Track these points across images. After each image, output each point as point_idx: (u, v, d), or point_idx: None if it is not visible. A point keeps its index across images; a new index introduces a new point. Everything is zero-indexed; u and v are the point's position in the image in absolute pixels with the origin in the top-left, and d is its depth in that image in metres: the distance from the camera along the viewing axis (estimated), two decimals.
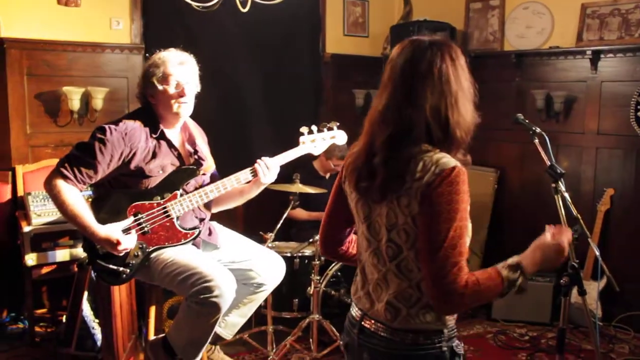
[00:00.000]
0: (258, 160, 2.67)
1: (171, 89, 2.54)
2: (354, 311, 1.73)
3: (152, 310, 2.74)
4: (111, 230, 2.42)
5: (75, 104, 4.08)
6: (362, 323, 1.67)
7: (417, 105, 1.53)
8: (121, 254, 2.47)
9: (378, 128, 1.59)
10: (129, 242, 2.44)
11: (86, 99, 4.16)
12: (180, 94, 2.56)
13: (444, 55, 1.58)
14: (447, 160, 1.52)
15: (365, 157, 1.61)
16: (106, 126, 2.48)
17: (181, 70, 2.57)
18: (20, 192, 3.95)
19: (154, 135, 2.54)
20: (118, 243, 2.40)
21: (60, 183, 2.42)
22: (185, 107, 2.59)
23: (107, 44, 4.27)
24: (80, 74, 4.20)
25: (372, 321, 1.64)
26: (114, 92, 4.28)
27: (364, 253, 1.68)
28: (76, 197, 2.43)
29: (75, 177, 2.43)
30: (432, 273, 1.48)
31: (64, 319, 3.72)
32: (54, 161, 2.52)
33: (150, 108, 2.59)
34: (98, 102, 4.15)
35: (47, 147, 4.14)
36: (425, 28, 4.72)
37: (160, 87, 2.53)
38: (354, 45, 5.32)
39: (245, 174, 2.65)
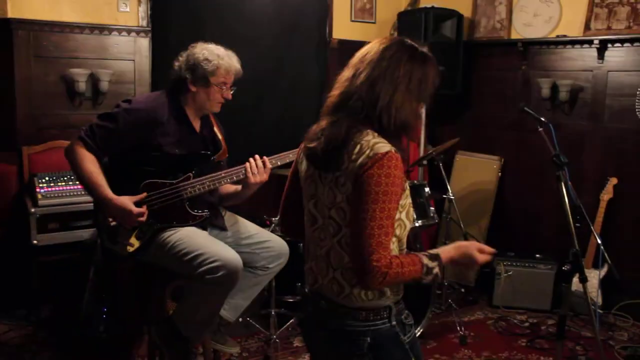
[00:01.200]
0: (250, 159, 2.68)
1: (220, 91, 2.63)
2: (306, 287, 1.82)
3: (157, 292, 2.77)
4: (125, 201, 2.47)
5: (81, 86, 4.09)
6: (318, 302, 1.74)
7: (373, 92, 1.66)
8: (131, 226, 2.50)
9: (337, 100, 1.73)
10: (142, 214, 2.48)
11: (93, 81, 4.17)
12: (226, 97, 2.66)
13: (415, 63, 1.69)
14: (382, 145, 1.61)
15: (318, 129, 1.74)
16: (133, 99, 2.57)
17: (233, 76, 2.67)
18: (26, 174, 3.97)
19: (176, 116, 2.58)
20: (131, 213, 2.44)
21: (80, 149, 2.49)
22: (219, 108, 2.70)
23: (114, 26, 4.27)
24: (87, 56, 4.21)
25: (325, 298, 1.72)
26: (120, 75, 4.29)
27: (309, 229, 1.78)
28: (94, 164, 2.49)
29: (96, 144, 2.50)
30: (358, 250, 1.56)
31: (69, 300, 3.76)
32: (60, 143, 2.56)
33: (180, 90, 2.62)
34: (104, 85, 4.16)
35: (54, 129, 4.16)
36: (432, 15, 4.71)
37: (211, 85, 2.60)
38: (361, 31, 5.30)
39: (241, 170, 2.66)
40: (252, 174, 2.65)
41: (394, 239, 1.65)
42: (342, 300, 1.68)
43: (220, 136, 2.80)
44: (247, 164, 2.66)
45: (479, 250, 1.73)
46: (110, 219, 2.54)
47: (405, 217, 1.68)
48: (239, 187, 2.77)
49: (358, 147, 1.62)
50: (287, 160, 2.75)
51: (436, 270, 1.64)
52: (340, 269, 1.67)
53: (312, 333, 1.83)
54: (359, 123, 1.65)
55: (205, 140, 2.71)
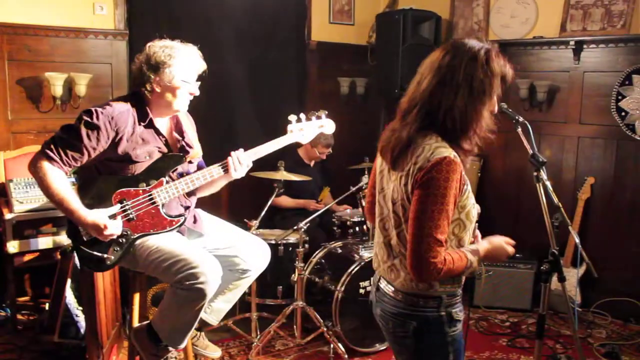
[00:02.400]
0: (232, 153, 2.64)
1: (186, 89, 2.55)
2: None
3: (137, 297, 2.74)
4: (98, 216, 2.41)
5: (57, 90, 4.04)
6: (379, 282, 1.95)
7: (434, 99, 1.75)
8: (107, 240, 2.46)
9: (407, 106, 1.83)
10: (115, 228, 2.43)
11: (69, 85, 4.12)
12: (192, 94, 2.59)
13: (476, 64, 1.76)
14: (443, 150, 1.72)
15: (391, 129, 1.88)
16: (93, 109, 2.45)
17: (198, 71, 2.59)
18: (1, 179, 3.91)
19: (142, 122, 2.52)
20: (105, 228, 2.39)
21: (46, 165, 2.39)
22: (187, 105, 2.62)
23: (90, 29, 4.22)
24: (63, 60, 4.15)
25: (385, 281, 1.92)
26: (97, 79, 4.24)
27: (377, 218, 1.95)
28: (62, 180, 2.40)
29: (61, 159, 2.40)
30: (416, 248, 1.70)
31: (46, 306, 3.71)
32: (36, 148, 2.49)
33: (142, 95, 2.56)
34: (81, 88, 4.11)
35: (29, 134, 4.10)
36: (410, 17, 4.73)
37: (175, 82, 2.51)
38: (339, 33, 5.31)
39: (217, 169, 2.63)
40: (234, 169, 2.62)
41: (452, 237, 1.79)
42: (398, 285, 1.85)
43: (191, 135, 2.75)
44: (229, 159, 2.62)
45: (506, 243, 1.91)
46: (85, 232, 2.48)
47: (465, 217, 1.80)
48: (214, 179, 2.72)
49: (420, 149, 1.74)
50: (263, 154, 2.72)
51: (475, 264, 1.79)
52: (400, 257, 1.83)
53: (374, 308, 2.00)
54: (424, 127, 1.76)
55: (175, 142, 2.67)
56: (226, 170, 2.62)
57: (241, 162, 2.64)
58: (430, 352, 1.86)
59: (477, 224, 1.93)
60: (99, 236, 2.42)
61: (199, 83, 2.61)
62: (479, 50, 1.77)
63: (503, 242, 1.91)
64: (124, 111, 2.48)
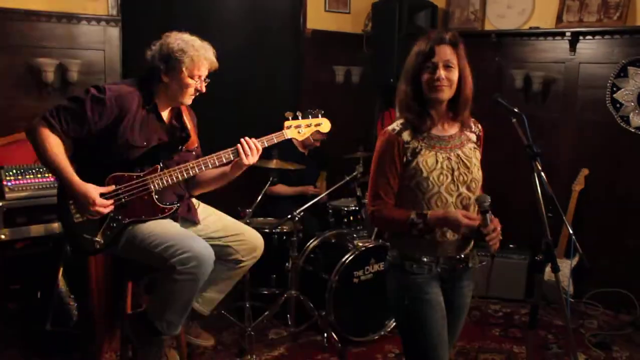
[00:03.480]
0: (241, 140, 2.63)
1: (193, 82, 2.55)
2: None
3: (129, 285, 2.73)
4: (90, 188, 2.41)
5: (49, 76, 3.99)
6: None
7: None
8: (94, 217, 2.44)
9: None
10: (103, 207, 2.42)
11: (61, 71, 4.07)
12: (199, 90, 2.58)
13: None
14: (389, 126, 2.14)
15: None
16: (101, 85, 2.48)
17: (207, 67, 2.59)
18: None
19: (146, 107, 2.52)
20: (93, 202, 2.38)
21: (44, 129, 2.41)
22: (191, 100, 2.63)
23: (83, 15, 4.16)
24: (55, 45, 4.10)
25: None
26: (89, 65, 4.19)
27: None
28: (60, 147, 2.42)
29: (62, 127, 2.42)
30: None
31: (38, 295, 3.68)
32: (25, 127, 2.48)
33: (152, 80, 2.55)
34: (73, 75, 4.06)
35: (21, 121, 4.04)
36: (406, 5, 4.69)
37: (184, 76, 2.52)
38: (335, 21, 5.27)
39: (227, 154, 2.62)
40: (246, 155, 2.61)
41: (408, 205, 2.08)
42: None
43: (190, 125, 2.74)
44: (239, 145, 2.61)
45: (465, 216, 2.00)
46: (77, 215, 2.47)
47: (415, 187, 2.07)
48: (227, 169, 2.71)
49: None
50: (275, 142, 2.72)
51: (421, 226, 2.02)
52: None
53: None
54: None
55: (174, 130, 2.65)
56: (237, 155, 2.61)
57: (252, 148, 2.63)
58: (391, 291, 2.19)
59: (490, 212, 2.06)
60: (86, 211, 2.41)
61: (208, 80, 2.60)
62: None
63: (459, 215, 2.00)
64: (131, 91, 2.49)
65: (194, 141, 2.74)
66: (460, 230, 2.04)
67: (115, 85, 2.52)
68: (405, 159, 2.07)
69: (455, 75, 2.09)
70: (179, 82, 2.54)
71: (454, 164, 2.10)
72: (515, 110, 2.40)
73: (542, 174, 2.27)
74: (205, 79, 2.61)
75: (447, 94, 2.08)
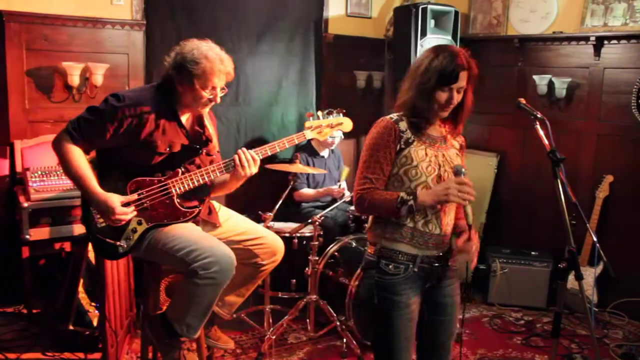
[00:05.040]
0: (238, 152, 2.59)
1: (206, 94, 2.51)
2: None
3: (150, 288, 2.74)
4: (111, 197, 2.43)
5: (74, 79, 4.05)
6: None
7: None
8: (116, 224, 2.47)
9: None
10: (124, 214, 2.45)
11: (86, 75, 4.13)
12: (212, 100, 2.55)
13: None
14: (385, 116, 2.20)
15: None
16: (120, 93, 2.48)
17: (222, 78, 2.53)
18: (18, 168, 3.93)
19: (165, 112, 2.52)
20: (114, 211, 2.41)
21: (67, 142, 2.45)
22: (207, 109, 2.62)
23: (107, 20, 4.23)
24: (80, 50, 4.16)
25: None
26: (114, 69, 4.25)
27: None
28: (81, 159, 2.45)
29: (83, 139, 2.45)
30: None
31: (62, 295, 3.73)
32: (54, 137, 2.52)
33: (170, 87, 2.55)
34: (98, 78, 4.12)
35: (46, 123, 4.12)
36: (429, 11, 4.68)
37: (196, 87, 2.48)
38: (356, 26, 5.27)
39: (230, 163, 2.60)
40: (242, 166, 2.58)
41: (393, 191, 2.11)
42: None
43: (211, 129, 2.74)
44: (236, 156, 2.60)
45: (454, 187, 2.01)
46: (100, 219, 2.50)
47: (403, 174, 2.11)
48: (227, 176, 2.71)
49: None
50: (277, 150, 2.68)
51: (410, 202, 2.03)
52: None
53: None
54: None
55: (196, 135, 2.66)
56: (234, 167, 2.59)
57: (247, 157, 2.58)
58: (364, 288, 2.24)
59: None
60: (108, 219, 2.44)
61: (225, 90, 2.57)
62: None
63: (446, 187, 2.03)
64: (149, 99, 2.49)
65: (215, 145, 2.74)
66: (448, 195, 2.01)
67: (134, 93, 2.51)
68: (398, 147, 2.11)
69: (459, 98, 2.16)
70: (192, 92, 2.50)
71: (441, 161, 2.16)
72: (538, 115, 2.38)
73: (565, 180, 2.24)
74: (222, 88, 2.58)
75: (447, 113, 2.18)
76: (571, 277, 3.65)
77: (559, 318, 2.32)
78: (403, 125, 2.13)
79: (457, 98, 2.14)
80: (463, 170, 2.07)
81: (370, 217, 2.26)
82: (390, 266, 2.13)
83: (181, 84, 2.50)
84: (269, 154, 2.67)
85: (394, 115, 2.16)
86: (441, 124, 2.24)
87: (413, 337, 2.18)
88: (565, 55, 4.59)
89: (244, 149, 2.61)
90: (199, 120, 2.68)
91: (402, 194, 2.04)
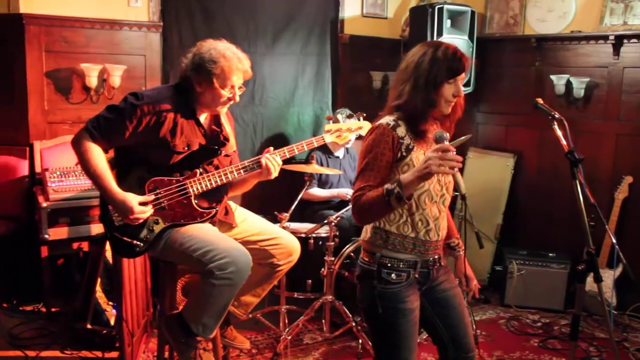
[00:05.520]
0: (265, 155, 2.63)
1: (226, 93, 2.54)
2: None
3: (167, 287, 2.76)
4: (129, 197, 2.45)
5: (92, 80, 4.09)
6: None
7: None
8: (134, 223, 2.49)
9: None
10: (142, 213, 2.47)
11: (103, 76, 4.17)
12: (231, 99, 2.57)
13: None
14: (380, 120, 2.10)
15: None
16: (139, 92, 2.51)
17: (241, 77, 2.56)
18: (37, 168, 3.98)
19: (183, 111, 2.54)
20: (132, 210, 2.43)
21: (88, 142, 2.47)
22: (226, 108, 2.63)
23: (125, 21, 4.26)
24: (98, 51, 4.21)
25: None
26: (131, 70, 4.29)
27: None
28: (100, 157, 2.48)
29: (103, 137, 2.47)
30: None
31: (80, 294, 3.77)
32: (71, 137, 2.55)
33: (189, 87, 2.57)
34: (115, 80, 4.16)
35: (65, 124, 4.17)
36: (445, 10, 4.66)
37: (216, 87, 2.51)
38: (372, 26, 5.26)
39: (251, 164, 2.63)
40: (268, 170, 2.62)
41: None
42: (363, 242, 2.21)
43: (229, 129, 2.76)
44: (263, 160, 2.62)
45: (438, 151, 1.85)
46: (118, 218, 2.52)
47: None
48: (247, 176, 2.72)
49: None
50: (296, 153, 2.71)
51: (397, 190, 1.88)
52: None
53: None
54: None
55: (214, 135, 2.68)
56: (259, 166, 2.62)
57: (273, 163, 2.62)
58: (364, 299, 2.16)
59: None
60: (126, 218, 2.46)
61: (243, 89, 2.60)
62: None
63: (428, 157, 1.84)
64: (167, 98, 2.52)
65: (232, 145, 2.75)
66: (429, 166, 1.83)
67: (153, 92, 2.55)
68: (400, 154, 2.05)
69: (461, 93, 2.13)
70: (211, 92, 2.53)
71: None
72: (556, 115, 2.36)
73: (584, 181, 2.21)
74: (240, 87, 2.60)
75: (449, 111, 2.13)
76: (589, 279, 3.60)
77: (577, 320, 2.29)
78: (401, 131, 2.05)
79: (462, 90, 2.10)
80: (445, 135, 1.91)
81: (368, 227, 2.18)
82: (393, 275, 2.09)
83: (200, 84, 2.52)
84: (287, 156, 2.69)
85: (390, 121, 2.06)
86: (435, 124, 2.18)
87: (417, 339, 2.16)
88: (583, 54, 4.54)
89: (271, 154, 2.63)
90: (216, 120, 2.70)
91: (387, 185, 1.92)
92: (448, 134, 1.94)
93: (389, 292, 2.09)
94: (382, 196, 1.92)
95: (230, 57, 2.51)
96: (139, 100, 2.46)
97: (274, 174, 2.64)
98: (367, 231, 2.18)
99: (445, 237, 2.23)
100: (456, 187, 1.98)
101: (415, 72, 2.06)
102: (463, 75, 2.08)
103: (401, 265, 2.10)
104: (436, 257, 2.19)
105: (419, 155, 2.06)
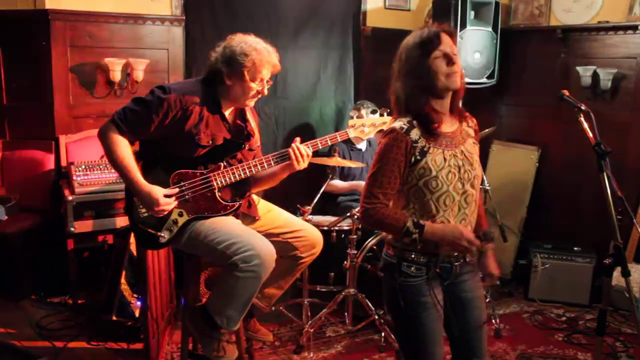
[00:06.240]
0: (292, 146, 2.64)
1: (255, 86, 2.56)
2: None
3: (191, 280, 2.78)
4: (154, 189, 2.48)
5: (116, 75, 4.13)
6: None
7: None
8: (159, 215, 2.51)
9: None
10: (167, 205, 2.49)
11: (127, 71, 4.21)
12: (260, 93, 2.60)
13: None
14: (394, 124, 2.08)
15: None
16: (166, 85, 2.54)
17: (270, 71, 2.60)
18: (63, 162, 4.04)
19: (210, 105, 2.56)
20: (157, 202, 2.46)
21: (113, 132, 2.50)
22: (254, 102, 2.65)
23: (148, 16, 4.29)
24: (122, 46, 4.25)
25: None
26: (154, 64, 4.32)
27: None
28: (127, 149, 2.51)
29: (129, 129, 2.50)
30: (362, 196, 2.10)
31: (105, 286, 3.82)
32: (96, 132, 2.59)
33: (216, 81, 2.59)
34: (139, 74, 4.19)
35: (89, 118, 4.22)
36: (468, 2, 4.60)
37: (246, 79, 2.54)
38: (395, 18, 5.23)
39: (276, 158, 2.64)
40: (297, 160, 2.62)
41: (413, 201, 2.05)
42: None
43: (253, 124, 2.77)
44: (291, 150, 2.63)
45: (467, 239, 1.98)
46: (142, 209, 2.55)
47: (423, 186, 2.02)
48: (276, 169, 2.74)
49: None
50: (319, 147, 2.71)
51: (415, 236, 1.97)
52: None
53: None
54: None
55: (238, 129, 2.69)
56: (287, 158, 2.63)
57: (302, 153, 2.63)
58: (387, 291, 2.16)
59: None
60: (151, 210, 2.49)
61: (270, 83, 2.62)
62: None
63: (461, 233, 1.98)
64: (194, 91, 2.54)
65: (256, 139, 2.77)
66: (459, 247, 2.00)
67: (179, 85, 2.58)
68: (413, 159, 2.01)
69: (460, 65, 2.06)
70: (242, 85, 2.56)
71: (460, 161, 2.07)
72: (583, 107, 2.31)
73: (611, 174, 2.17)
74: (268, 81, 2.62)
75: (458, 83, 2.04)
76: (616, 273, 3.55)
77: (604, 315, 2.26)
78: (415, 133, 2.02)
79: (458, 62, 2.03)
80: (491, 235, 2.09)
81: None
82: (413, 268, 2.08)
83: (230, 77, 2.54)
84: (311, 151, 2.69)
85: (404, 124, 2.03)
86: (449, 117, 2.12)
87: (442, 331, 2.15)
88: (611, 45, 4.45)
89: (298, 143, 2.63)
90: (241, 115, 2.71)
91: (409, 224, 1.98)
92: (494, 236, 2.07)
93: (409, 285, 2.08)
94: (399, 228, 1.99)
95: (262, 50, 2.55)
96: (166, 93, 2.48)
97: (303, 164, 2.65)
98: None
99: (474, 228, 2.18)
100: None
101: (402, 66, 2.08)
102: (449, 46, 2.02)
103: (422, 259, 2.08)
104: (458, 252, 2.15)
105: (436, 157, 2.02)
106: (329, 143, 2.72)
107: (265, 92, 2.62)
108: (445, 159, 2.03)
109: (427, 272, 2.08)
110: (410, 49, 2.06)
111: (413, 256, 2.08)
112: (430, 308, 2.08)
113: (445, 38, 2.03)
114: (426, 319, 2.08)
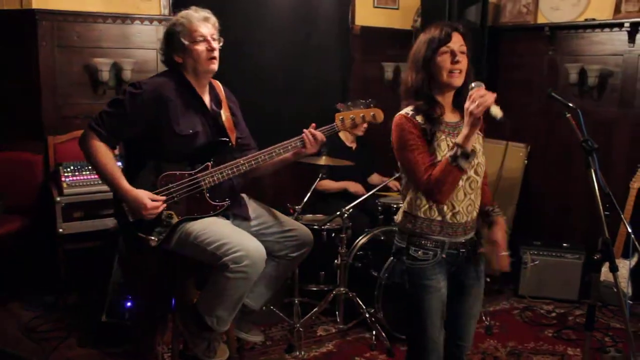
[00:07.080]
0: (305, 131, 2.66)
1: (200, 46, 2.56)
2: None
3: (181, 280, 2.78)
4: (141, 194, 2.47)
5: (104, 75, 4.11)
6: None
7: None
8: (147, 219, 2.50)
9: None
10: (155, 208, 2.48)
11: (116, 71, 4.19)
12: (209, 49, 2.59)
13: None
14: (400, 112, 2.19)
15: None
16: (137, 82, 2.55)
17: (206, 25, 2.61)
18: (52, 163, 4.01)
19: (183, 91, 2.57)
20: (144, 206, 2.45)
21: (93, 140, 2.48)
22: (215, 62, 2.62)
23: (136, 15, 4.27)
24: (110, 45, 4.23)
25: None
26: (143, 64, 4.30)
27: None
28: (108, 156, 2.50)
29: (108, 132, 2.49)
30: (411, 177, 2.17)
31: (95, 287, 3.80)
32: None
33: (179, 69, 2.62)
34: (127, 74, 4.17)
35: (77, 118, 4.20)
36: (456, 0, 4.62)
37: (187, 44, 2.56)
38: (384, 17, 5.24)
39: (295, 143, 2.65)
40: (310, 145, 2.65)
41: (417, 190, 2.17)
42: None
43: (235, 110, 2.79)
44: (304, 135, 2.65)
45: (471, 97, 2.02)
46: (130, 215, 2.54)
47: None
48: (287, 156, 2.73)
49: None
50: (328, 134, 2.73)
51: (459, 151, 2.00)
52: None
53: None
54: None
55: (217, 116, 2.69)
56: (303, 144, 2.66)
57: (316, 138, 2.66)
58: (395, 275, 2.36)
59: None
60: (139, 215, 2.48)
61: (221, 39, 2.64)
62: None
63: (467, 103, 2.02)
64: (167, 81, 2.57)
65: (242, 129, 2.78)
66: (472, 112, 2.00)
67: (151, 79, 2.61)
68: (426, 138, 2.12)
69: (466, 64, 2.14)
70: (190, 53, 2.57)
71: None
72: (570, 104, 2.33)
73: (598, 170, 2.19)
74: (215, 39, 2.62)
75: (460, 81, 2.14)
76: (604, 269, 3.58)
77: (592, 310, 2.28)
78: (420, 118, 2.13)
79: (464, 61, 2.12)
80: (477, 83, 2.06)
81: (400, 211, 2.28)
82: (420, 252, 2.18)
83: (177, 52, 2.59)
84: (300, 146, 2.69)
85: (409, 111, 2.15)
86: (453, 109, 2.23)
87: (443, 315, 2.23)
88: (598, 42, 4.48)
89: (311, 130, 2.67)
90: (217, 101, 2.72)
91: (448, 154, 2.03)
92: (482, 84, 2.06)
93: (416, 268, 2.19)
94: (448, 165, 2.01)
95: (187, 12, 2.62)
96: (137, 88, 2.50)
97: (317, 146, 2.68)
98: (399, 215, 2.28)
99: (479, 209, 2.27)
100: (493, 118, 2.06)
101: (414, 58, 2.17)
102: (458, 44, 2.10)
103: (429, 245, 2.18)
104: (467, 238, 2.22)
105: (441, 143, 2.12)
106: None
107: (214, 46, 2.60)
108: (448, 146, 2.12)
109: (434, 257, 2.18)
110: (422, 42, 2.14)
111: (422, 242, 2.18)
112: (433, 292, 2.18)
113: (456, 36, 2.11)
114: (429, 301, 2.18)
